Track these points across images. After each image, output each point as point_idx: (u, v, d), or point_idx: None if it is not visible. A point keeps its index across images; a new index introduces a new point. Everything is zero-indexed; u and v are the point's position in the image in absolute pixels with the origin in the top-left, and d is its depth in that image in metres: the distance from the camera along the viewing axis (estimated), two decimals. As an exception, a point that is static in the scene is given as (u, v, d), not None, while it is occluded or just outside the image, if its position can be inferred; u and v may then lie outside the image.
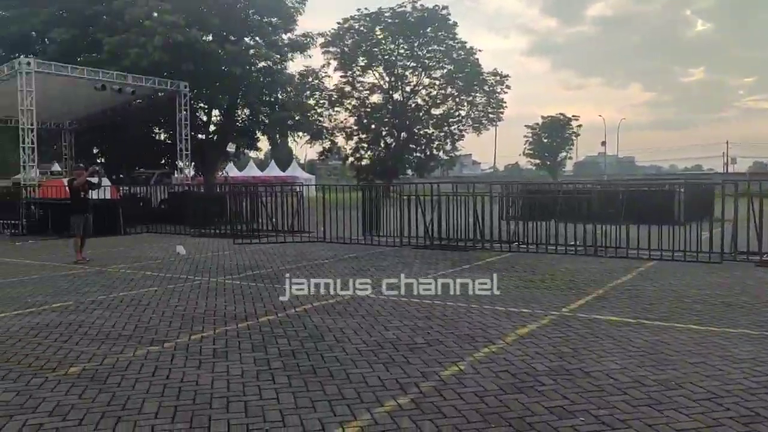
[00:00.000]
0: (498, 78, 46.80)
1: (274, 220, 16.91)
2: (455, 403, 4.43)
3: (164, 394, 4.68)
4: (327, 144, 47.00)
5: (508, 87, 47.36)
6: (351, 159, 49.79)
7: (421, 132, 48.08)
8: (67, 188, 13.12)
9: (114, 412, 4.32)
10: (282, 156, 71.91)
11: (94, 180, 12.94)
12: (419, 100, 48.31)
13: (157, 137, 30.63)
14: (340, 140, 48.46)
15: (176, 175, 26.98)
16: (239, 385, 4.86)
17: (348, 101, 48.41)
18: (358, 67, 47.86)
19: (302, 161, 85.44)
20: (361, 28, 46.32)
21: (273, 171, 60.49)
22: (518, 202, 16.45)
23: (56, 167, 32.75)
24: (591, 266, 11.19)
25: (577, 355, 5.60)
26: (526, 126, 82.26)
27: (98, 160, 31.02)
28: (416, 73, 47.42)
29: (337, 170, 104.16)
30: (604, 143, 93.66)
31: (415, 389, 4.74)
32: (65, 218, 17.70)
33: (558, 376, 5.00)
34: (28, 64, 18.48)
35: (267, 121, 27.65)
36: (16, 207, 19.13)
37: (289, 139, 32.81)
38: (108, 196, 19.03)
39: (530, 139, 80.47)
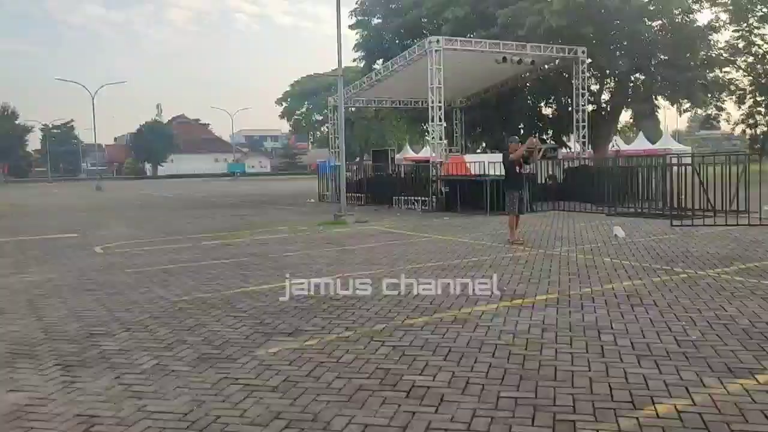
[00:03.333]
0: None
1: (711, 198, 14.25)
2: None
3: None
4: (712, 110, 40.84)
5: None
6: (742, 126, 43.13)
7: None
8: (501, 164, 12.30)
9: None
10: (645, 127, 65.75)
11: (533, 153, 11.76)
12: None
13: (542, 110, 29.52)
14: (728, 105, 41.84)
15: (564, 150, 25.56)
16: None
17: (741, 59, 41.66)
18: (755, 18, 40.68)
19: (669, 132, 77.40)
20: (763, -31, 39.22)
21: (642, 144, 55.01)
22: None
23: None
24: None
25: None
26: None
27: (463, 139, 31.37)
28: (841, 15, 38.33)
29: (706, 141, 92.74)
30: None
31: None
32: (472, 195, 17.71)
33: None
34: (437, 41, 18.67)
35: (668, 84, 24.17)
36: (422, 184, 19.83)
37: (685, 105, 28.50)
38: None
39: None
